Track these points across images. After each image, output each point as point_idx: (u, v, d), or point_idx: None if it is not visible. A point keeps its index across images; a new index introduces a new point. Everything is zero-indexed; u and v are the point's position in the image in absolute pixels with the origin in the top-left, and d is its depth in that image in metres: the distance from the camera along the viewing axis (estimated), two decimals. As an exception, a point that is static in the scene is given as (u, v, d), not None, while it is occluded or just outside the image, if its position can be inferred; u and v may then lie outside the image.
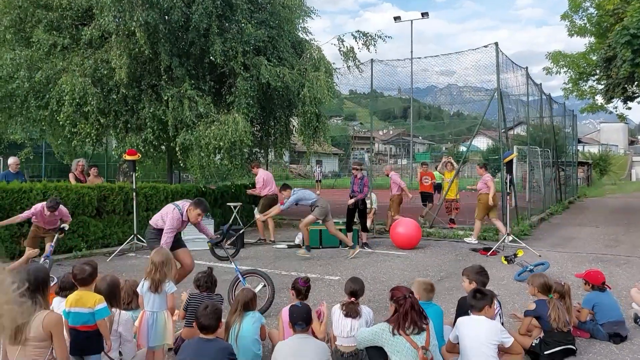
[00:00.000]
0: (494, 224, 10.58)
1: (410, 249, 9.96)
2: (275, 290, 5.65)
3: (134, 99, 10.85)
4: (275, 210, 9.39)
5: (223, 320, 3.90)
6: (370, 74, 13.82)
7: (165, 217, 5.60)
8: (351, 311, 4.07)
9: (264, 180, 11.02)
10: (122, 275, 6.39)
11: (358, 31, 12.48)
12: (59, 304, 3.85)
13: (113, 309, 3.79)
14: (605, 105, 19.75)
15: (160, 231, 5.61)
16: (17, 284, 1.86)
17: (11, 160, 10.50)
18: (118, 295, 3.95)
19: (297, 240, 10.54)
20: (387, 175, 12.30)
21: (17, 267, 6.64)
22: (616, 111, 20.53)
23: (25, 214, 7.24)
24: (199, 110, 10.38)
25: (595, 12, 18.43)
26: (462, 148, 32.19)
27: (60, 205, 7.30)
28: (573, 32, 19.85)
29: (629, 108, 18.22)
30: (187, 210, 5.59)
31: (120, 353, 3.85)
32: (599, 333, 4.83)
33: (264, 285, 5.70)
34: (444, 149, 43.89)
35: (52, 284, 3.94)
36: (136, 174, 10.12)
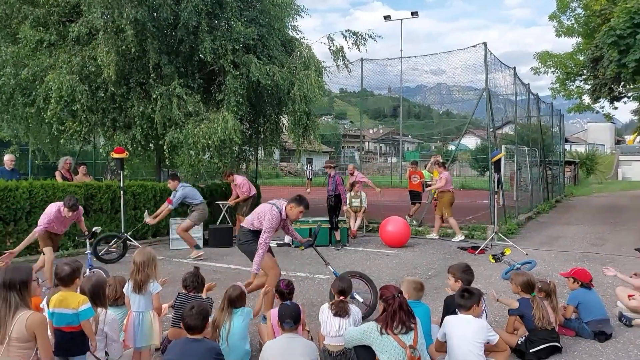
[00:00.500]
0: (449, 223, 10.96)
1: (399, 248, 10.00)
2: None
3: (122, 97, 10.75)
4: (165, 211, 9.30)
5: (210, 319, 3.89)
6: (360, 73, 13.84)
7: (262, 216, 5.35)
8: (340, 310, 4.08)
9: (245, 183, 11.17)
10: (110, 274, 6.33)
11: (348, 30, 12.49)
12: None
13: (98, 309, 3.76)
14: (592, 105, 19.93)
15: (256, 232, 5.41)
16: None
17: (7, 157, 10.37)
18: (103, 296, 3.88)
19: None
20: (352, 175, 12.40)
21: (47, 270, 6.38)
22: (603, 111, 20.79)
23: (42, 226, 6.39)
24: (187, 109, 10.32)
25: (583, 12, 18.58)
26: (451, 147, 32.35)
27: None
28: (561, 33, 20.01)
29: (616, 108, 18.56)
30: (286, 208, 5.37)
31: (106, 353, 3.82)
32: (584, 331, 4.88)
33: (367, 292, 5.50)
34: (433, 147, 44.07)
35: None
36: (124, 172, 10.04)
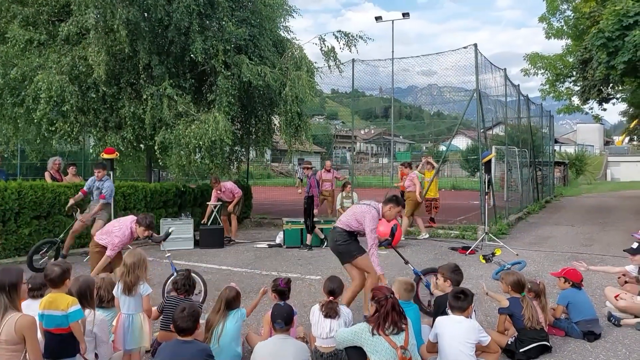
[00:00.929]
0: (416, 222, 11.13)
1: (390, 248, 9.99)
2: None
3: (113, 97, 10.69)
4: (97, 207, 8.34)
5: (202, 321, 3.87)
6: (352, 74, 13.85)
7: (362, 218, 5.31)
8: (330, 311, 4.07)
9: (234, 186, 11.31)
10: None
11: (340, 31, 12.51)
12: (27, 307, 3.74)
13: (87, 311, 3.72)
14: (582, 107, 20.11)
15: (352, 233, 5.39)
16: None
17: None
18: (91, 297, 3.83)
19: (278, 240, 10.53)
20: (328, 171, 12.77)
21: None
22: (592, 112, 21.03)
23: (117, 250, 5.63)
24: (178, 109, 10.28)
25: (572, 14, 18.73)
26: (442, 147, 32.49)
27: None
28: (551, 35, 20.15)
29: (605, 109, 18.64)
30: (384, 209, 5.37)
31: (96, 355, 3.79)
32: (573, 331, 4.92)
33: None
34: (424, 148, 44.23)
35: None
36: (114, 173, 9.96)
